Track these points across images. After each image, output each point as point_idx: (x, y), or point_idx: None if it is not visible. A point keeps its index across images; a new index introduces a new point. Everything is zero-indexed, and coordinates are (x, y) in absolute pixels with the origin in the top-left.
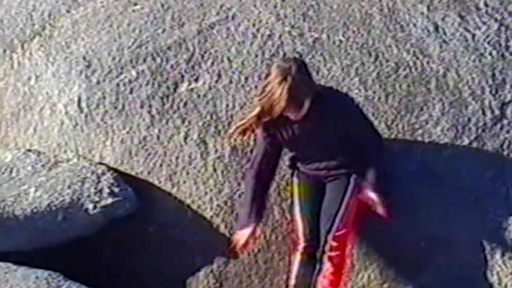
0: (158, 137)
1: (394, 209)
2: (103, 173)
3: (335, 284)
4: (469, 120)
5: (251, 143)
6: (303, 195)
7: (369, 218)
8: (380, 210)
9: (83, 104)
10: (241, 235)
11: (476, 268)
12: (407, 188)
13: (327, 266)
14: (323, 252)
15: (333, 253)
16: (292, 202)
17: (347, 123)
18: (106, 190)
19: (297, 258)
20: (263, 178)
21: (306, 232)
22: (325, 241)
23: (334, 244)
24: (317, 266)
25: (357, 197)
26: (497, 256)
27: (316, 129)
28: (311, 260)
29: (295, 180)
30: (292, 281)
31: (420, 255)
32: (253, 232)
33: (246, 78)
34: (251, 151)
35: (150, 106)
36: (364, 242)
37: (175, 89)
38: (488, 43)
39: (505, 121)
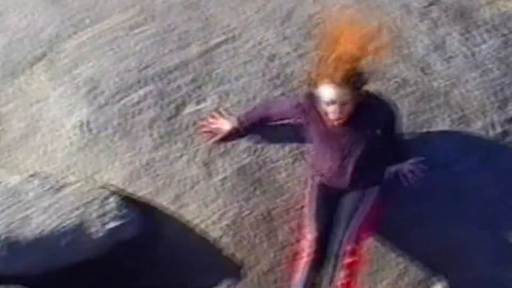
0: (163, 159)
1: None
2: (109, 196)
3: None
4: (476, 137)
5: (256, 163)
6: (318, 200)
7: (382, 230)
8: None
9: (89, 127)
10: (222, 124)
11: (494, 282)
12: (422, 203)
13: (343, 274)
14: (337, 258)
15: (348, 259)
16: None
17: (384, 132)
18: (112, 213)
19: (303, 265)
20: (267, 116)
21: (315, 237)
22: (340, 245)
23: (350, 247)
24: (330, 273)
25: (374, 205)
26: None
27: (353, 135)
28: (318, 267)
29: (310, 184)
30: None
31: (434, 268)
32: (230, 131)
33: (251, 99)
34: (256, 172)
35: (155, 128)
36: (375, 257)
37: (180, 111)
38: (492, 58)
39: (510, 137)
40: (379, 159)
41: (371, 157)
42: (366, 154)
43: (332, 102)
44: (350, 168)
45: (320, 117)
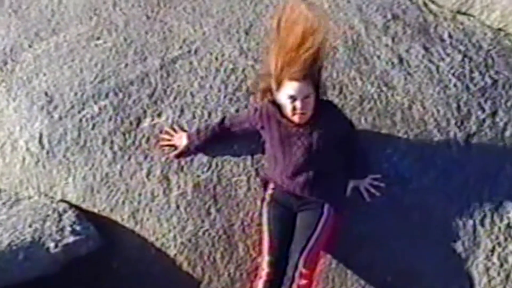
0: (120, 174)
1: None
2: (65, 211)
3: None
4: (435, 152)
5: (214, 179)
6: (274, 219)
7: (339, 248)
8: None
9: (45, 140)
10: (178, 140)
11: None
12: (373, 221)
13: None
14: (291, 280)
15: (303, 281)
16: (260, 224)
17: (345, 133)
18: (68, 229)
19: (261, 284)
20: (224, 127)
21: (272, 258)
22: (295, 268)
23: (305, 271)
24: None
25: (330, 226)
26: None
27: (314, 137)
28: (274, 287)
29: (267, 200)
30: None
31: (391, 286)
32: (182, 149)
33: (209, 113)
34: (214, 187)
35: (112, 142)
36: (332, 275)
37: (137, 125)
38: (453, 74)
39: (470, 153)
40: (336, 170)
41: (328, 165)
42: (322, 160)
43: (294, 97)
44: (305, 173)
45: (278, 121)
